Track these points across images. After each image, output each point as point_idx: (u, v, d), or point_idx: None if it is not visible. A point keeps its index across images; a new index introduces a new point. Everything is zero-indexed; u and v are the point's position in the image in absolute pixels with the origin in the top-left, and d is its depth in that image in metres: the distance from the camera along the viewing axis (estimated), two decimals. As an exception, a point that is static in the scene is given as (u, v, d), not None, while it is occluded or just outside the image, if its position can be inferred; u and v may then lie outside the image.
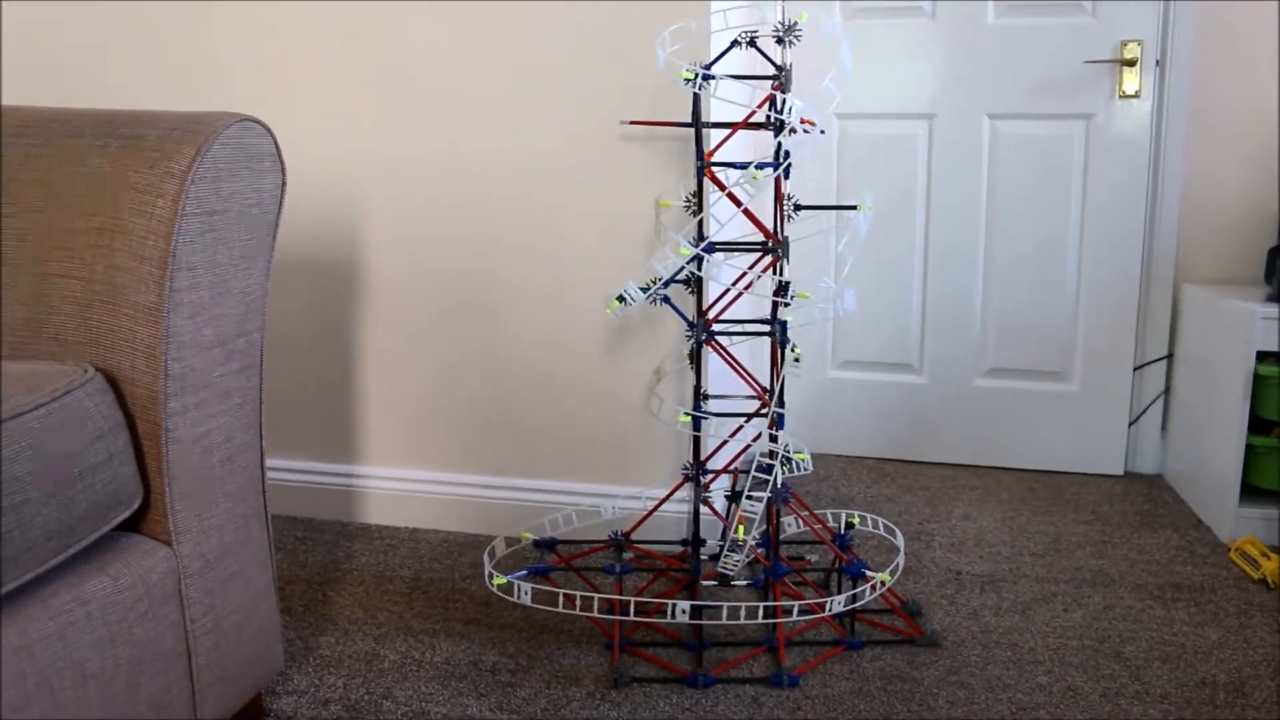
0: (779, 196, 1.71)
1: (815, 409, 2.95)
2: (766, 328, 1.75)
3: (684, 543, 2.02)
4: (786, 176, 1.67)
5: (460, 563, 2.19)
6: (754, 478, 1.57)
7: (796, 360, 1.54)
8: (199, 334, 1.30)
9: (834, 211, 2.82)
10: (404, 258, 2.29)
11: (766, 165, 1.59)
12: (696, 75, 1.60)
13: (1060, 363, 2.80)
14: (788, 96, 1.61)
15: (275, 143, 1.42)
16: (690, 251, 1.60)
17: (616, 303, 1.63)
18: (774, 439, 1.58)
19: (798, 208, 1.70)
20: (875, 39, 2.76)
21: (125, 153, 1.30)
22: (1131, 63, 2.62)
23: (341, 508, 2.43)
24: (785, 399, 1.85)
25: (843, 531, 1.92)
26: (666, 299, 1.68)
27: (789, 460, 1.61)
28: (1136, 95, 2.64)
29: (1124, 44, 2.61)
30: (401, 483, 2.39)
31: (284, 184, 1.44)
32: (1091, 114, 2.67)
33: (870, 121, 2.81)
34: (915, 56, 2.75)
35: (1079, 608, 1.98)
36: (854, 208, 1.67)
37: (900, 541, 1.88)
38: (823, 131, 1.67)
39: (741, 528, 1.64)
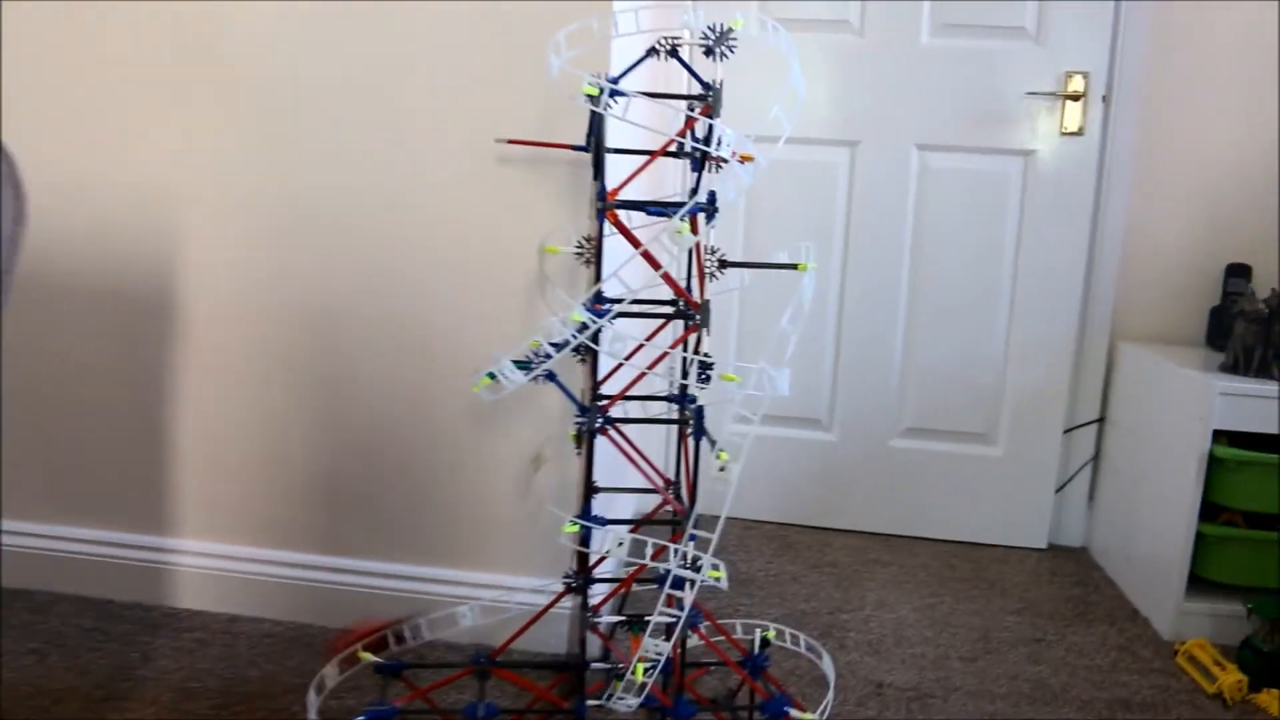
0: (698, 249, 1.36)
1: (708, 465, 2.62)
2: (678, 411, 1.41)
3: (563, 664, 1.65)
4: (709, 221, 1.33)
5: (286, 668, 1.78)
6: (660, 611, 1.22)
7: (722, 469, 1.20)
8: None
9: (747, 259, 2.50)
10: (230, 291, 1.87)
11: (696, 209, 1.23)
12: (602, 90, 1.24)
13: (985, 424, 2.53)
14: (715, 122, 1.26)
15: (14, 167, 1.00)
16: (582, 318, 1.24)
17: (487, 380, 1.26)
18: (687, 564, 1.23)
19: (723, 265, 1.35)
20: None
21: None
22: (1076, 97, 2.36)
23: (145, 588, 1.99)
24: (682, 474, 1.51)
25: (757, 650, 1.58)
26: (552, 376, 1.32)
27: (696, 574, 1.26)
28: (1080, 132, 2.38)
29: (1069, 75, 2.35)
30: (220, 560, 1.97)
31: (23, 217, 1.03)
32: (1031, 150, 2.40)
33: (787, 147, 2.49)
34: (838, 76, 2.44)
35: (1026, 739, 1.69)
36: (794, 266, 1.34)
37: (829, 668, 1.55)
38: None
39: (641, 667, 1.29)
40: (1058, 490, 2.56)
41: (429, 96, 1.74)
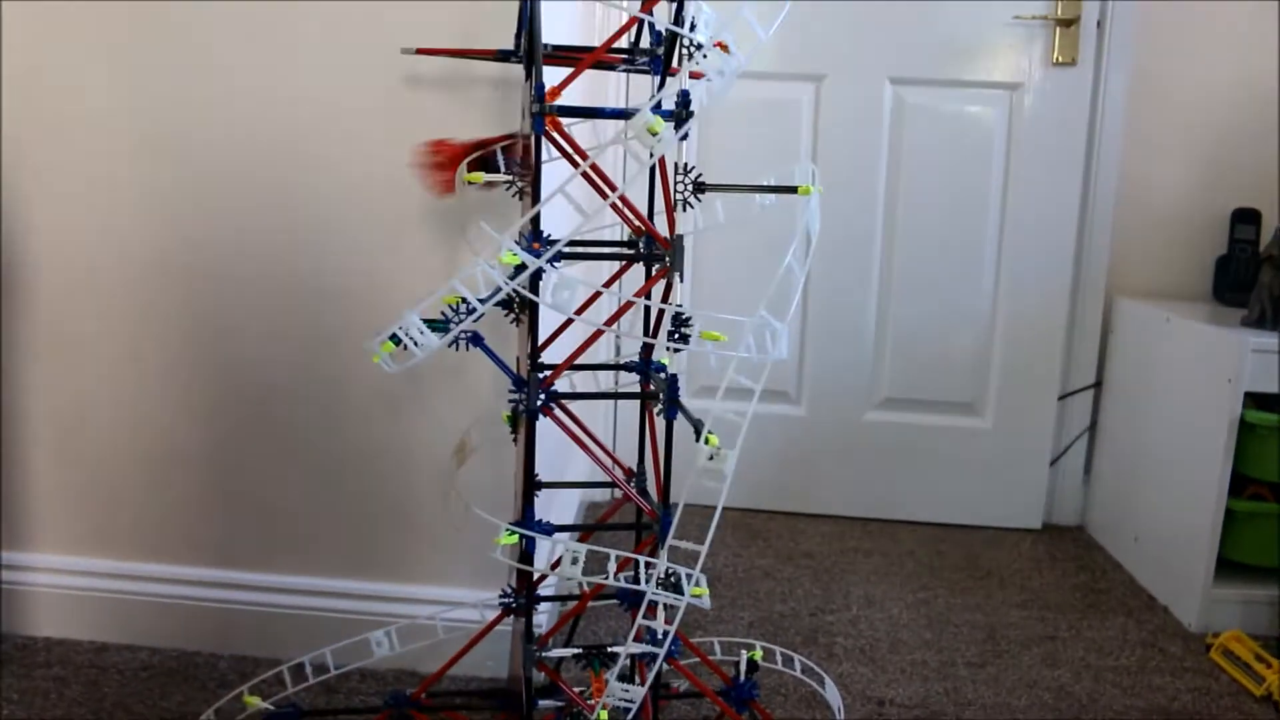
0: (664, 171, 1.05)
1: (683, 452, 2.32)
2: (640, 386, 1.10)
3: (503, 695, 1.34)
4: (679, 131, 1.02)
5: (164, 709, 1.45)
6: (630, 644, 0.92)
7: (711, 458, 0.90)
8: None
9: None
10: (86, 245, 1.52)
11: (664, 112, 0.92)
12: (534, -47, 0.92)
13: (970, 392, 2.26)
14: (691, 1, 0.95)
15: None
16: (517, 259, 0.92)
17: (390, 345, 0.94)
18: (665, 584, 0.93)
19: (700, 188, 1.05)
20: (752, -25, 2.14)
21: None
22: (1068, 22, 2.09)
23: (-9, 615, 1.65)
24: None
25: (743, 675, 1.28)
26: (477, 339, 1.00)
27: (676, 597, 0.96)
28: (1073, 63, 2.11)
29: (1060, -3, 2.08)
30: (84, 578, 1.63)
31: None
32: (1018, 84, 2.13)
33: (740, 81, 2.18)
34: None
35: (1062, 765, 1.42)
36: (793, 190, 1.04)
37: (835, 697, 1.26)
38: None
39: (605, 715, 0.98)
40: (1051, 464, 2.30)
41: (325, 9, 1.40)
